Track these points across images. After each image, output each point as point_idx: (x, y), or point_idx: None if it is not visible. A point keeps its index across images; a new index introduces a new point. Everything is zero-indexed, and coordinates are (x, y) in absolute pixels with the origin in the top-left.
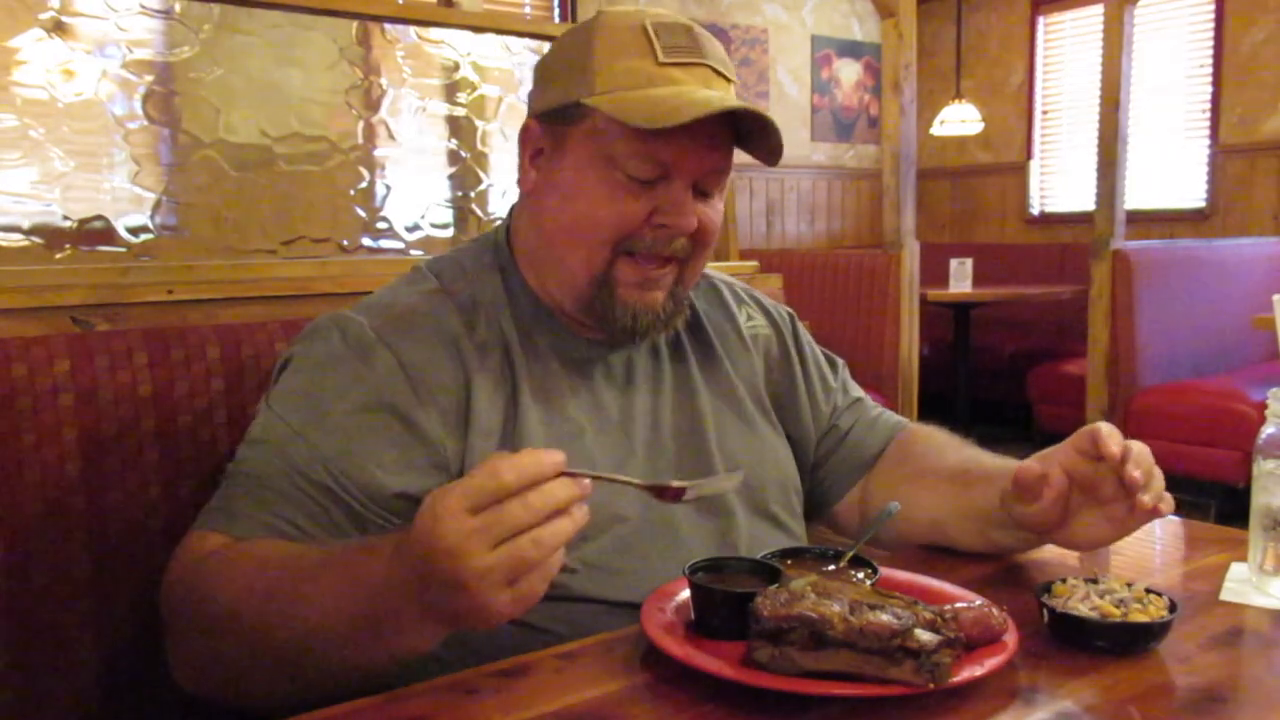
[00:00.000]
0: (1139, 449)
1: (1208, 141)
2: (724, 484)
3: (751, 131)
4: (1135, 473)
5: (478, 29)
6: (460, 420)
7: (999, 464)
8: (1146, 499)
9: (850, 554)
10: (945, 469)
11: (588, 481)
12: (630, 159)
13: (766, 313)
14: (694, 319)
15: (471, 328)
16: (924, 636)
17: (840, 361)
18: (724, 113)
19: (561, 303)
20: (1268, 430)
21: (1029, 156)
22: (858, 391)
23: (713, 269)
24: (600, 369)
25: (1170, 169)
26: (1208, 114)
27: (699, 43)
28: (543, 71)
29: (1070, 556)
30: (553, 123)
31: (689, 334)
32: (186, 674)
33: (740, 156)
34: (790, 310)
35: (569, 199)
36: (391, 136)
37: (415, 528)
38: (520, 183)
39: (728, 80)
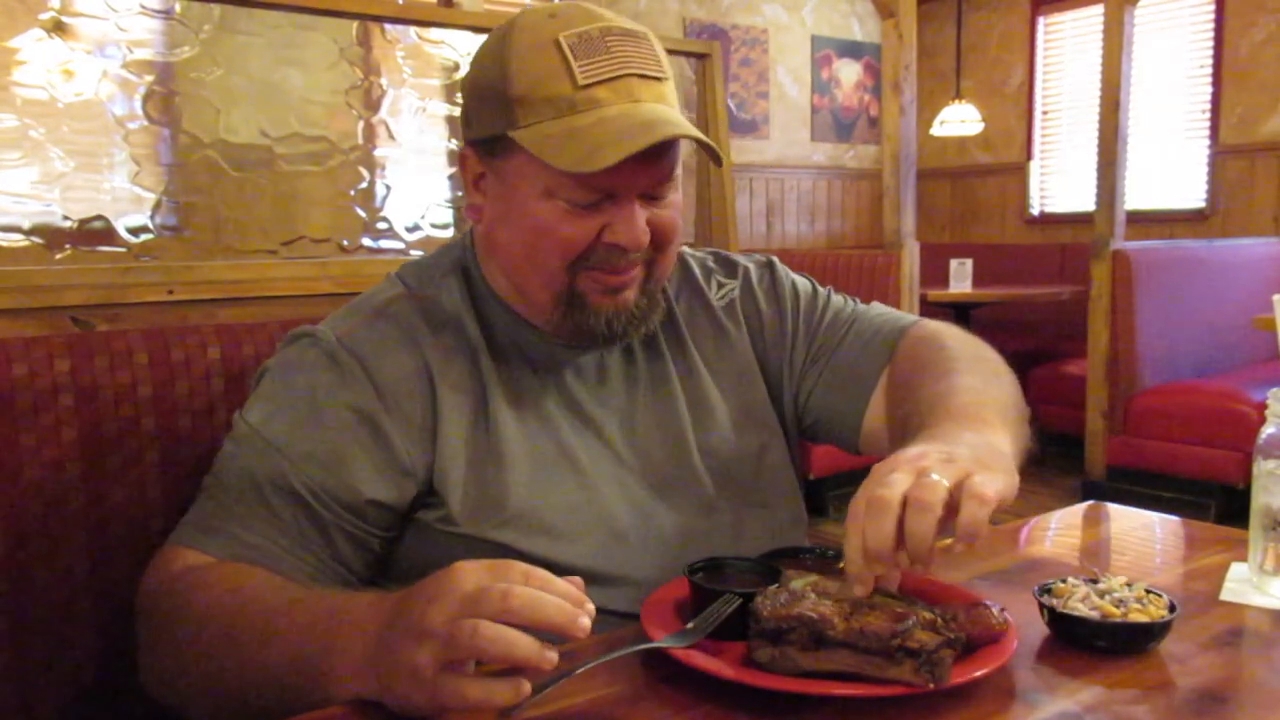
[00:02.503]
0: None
1: (1208, 142)
2: (723, 608)
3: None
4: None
5: (478, 29)
6: (427, 427)
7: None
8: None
9: None
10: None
11: (553, 655)
12: (569, 189)
13: (734, 271)
14: (668, 312)
15: (437, 333)
16: (924, 636)
17: (824, 290)
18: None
19: (534, 317)
20: (1268, 430)
21: (1029, 157)
22: (849, 310)
23: (688, 248)
24: (570, 369)
25: (1170, 169)
26: (1208, 114)
27: (619, 49)
28: (466, 95)
29: (1070, 556)
30: (486, 153)
31: (663, 328)
32: (152, 682)
33: (740, 157)
34: (769, 257)
35: (516, 229)
36: (391, 136)
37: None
38: (468, 211)
39: (657, 79)
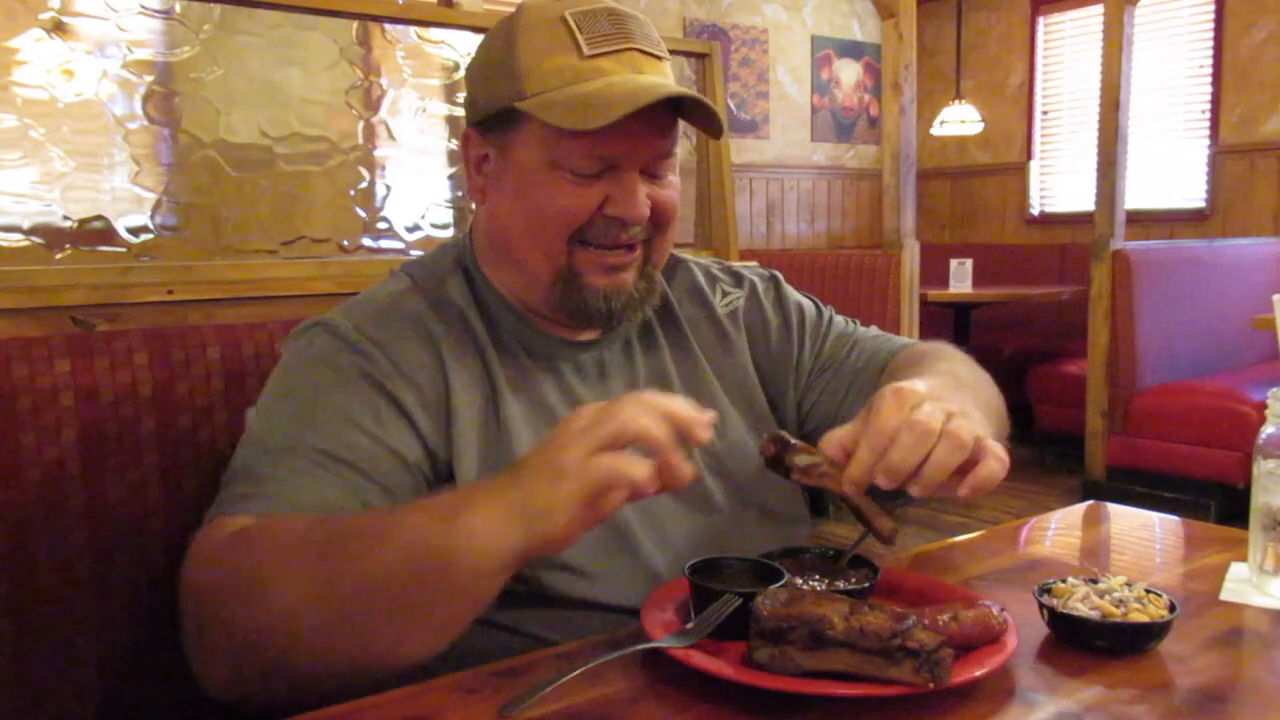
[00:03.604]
0: (906, 442)
1: (1208, 141)
2: (723, 608)
3: (691, 106)
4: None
5: (478, 29)
6: (441, 412)
7: None
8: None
9: (850, 554)
10: None
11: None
12: (574, 157)
13: (740, 281)
14: (666, 307)
15: (448, 327)
16: (924, 636)
17: (827, 309)
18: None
19: (532, 301)
20: (1268, 430)
21: (1029, 157)
22: (851, 328)
23: (691, 255)
24: (570, 366)
25: (1170, 169)
26: (1208, 114)
27: (622, 26)
28: (472, 78)
29: (1070, 556)
30: (491, 130)
31: (661, 323)
32: (214, 661)
33: (740, 157)
34: (772, 271)
35: (519, 201)
36: (391, 136)
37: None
38: (471, 193)
39: (657, 58)
